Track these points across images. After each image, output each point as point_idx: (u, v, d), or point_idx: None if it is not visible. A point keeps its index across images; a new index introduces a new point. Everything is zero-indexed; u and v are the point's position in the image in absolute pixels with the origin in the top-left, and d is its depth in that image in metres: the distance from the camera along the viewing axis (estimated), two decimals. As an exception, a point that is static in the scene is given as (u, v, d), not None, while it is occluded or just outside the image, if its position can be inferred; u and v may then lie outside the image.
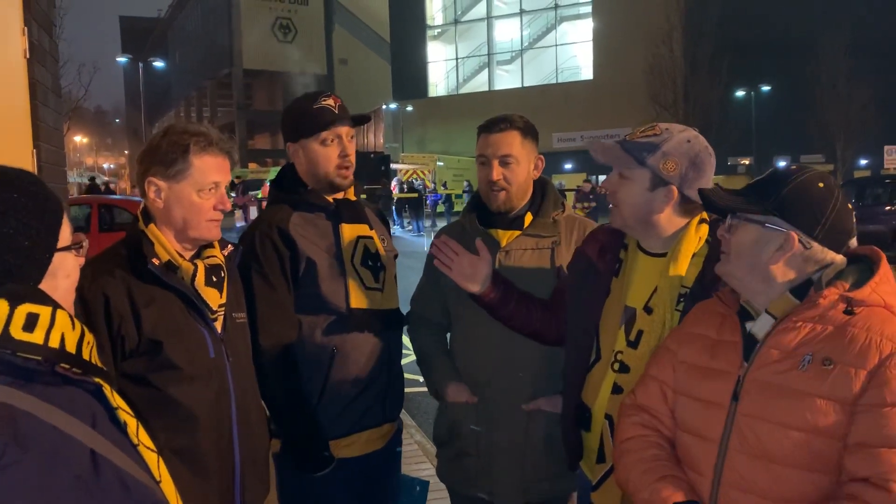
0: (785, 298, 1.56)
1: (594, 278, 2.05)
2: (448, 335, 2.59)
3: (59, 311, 1.10)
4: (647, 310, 1.92)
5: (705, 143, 1.91)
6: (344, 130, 2.36)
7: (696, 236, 1.92)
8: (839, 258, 1.56)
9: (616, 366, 1.95)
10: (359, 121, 2.43)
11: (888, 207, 16.53)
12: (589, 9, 43.93)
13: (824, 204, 1.53)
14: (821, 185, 1.55)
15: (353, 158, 2.38)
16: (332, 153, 2.34)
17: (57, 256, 1.16)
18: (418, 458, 4.94)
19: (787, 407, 1.47)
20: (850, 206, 1.57)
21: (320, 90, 2.47)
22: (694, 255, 1.91)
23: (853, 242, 1.58)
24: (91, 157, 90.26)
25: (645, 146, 1.87)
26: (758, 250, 1.57)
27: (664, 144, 1.86)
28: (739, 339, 1.61)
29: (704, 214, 1.94)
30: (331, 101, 2.34)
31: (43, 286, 1.13)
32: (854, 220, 1.58)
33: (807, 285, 1.56)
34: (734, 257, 1.62)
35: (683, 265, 1.89)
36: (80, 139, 71.14)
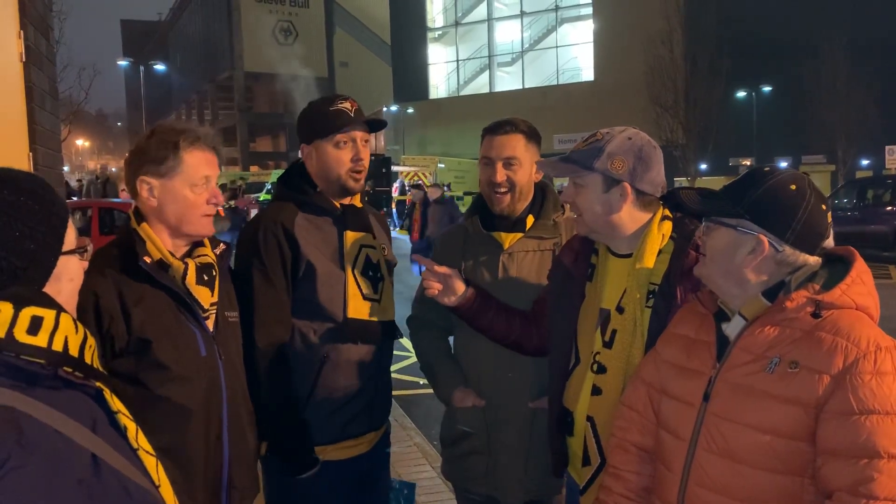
0: (757, 300, 1.57)
1: (570, 284, 2.10)
2: (451, 337, 2.60)
3: (62, 315, 1.10)
4: (619, 309, 1.96)
5: (647, 138, 1.98)
6: (359, 135, 2.36)
7: (660, 234, 1.96)
8: (812, 260, 1.56)
9: (594, 367, 1.99)
10: (374, 126, 2.43)
11: (890, 208, 16.51)
12: (589, 10, 43.94)
13: (795, 206, 1.53)
14: (793, 187, 1.54)
15: (366, 163, 2.39)
16: (344, 156, 2.33)
17: (62, 260, 1.17)
18: (418, 461, 4.94)
19: (753, 408, 1.49)
20: (824, 207, 1.56)
21: (337, 93, 2.46)
22: (660, 252, 1.95)
23: (829, 243, 1.58)
24: (93, 160, 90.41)
25: (590, 152, 1.94)
26: (731, 253, 1.58)
27: (607, 146, 1.93)
28: (713, 339, 1.63)
29: (667, 211, 1.98)
30: (347, 105, 2.34)
31: (47, 289, 1.14)
32: (829, 220, 1.57)
33: (780, 287, 1.56)
34: (709, 260, 1.63)
35: (649, 263, 1.93)
36: (81, 143, 71.19)
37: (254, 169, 54.29)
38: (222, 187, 37.36)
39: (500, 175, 2.36)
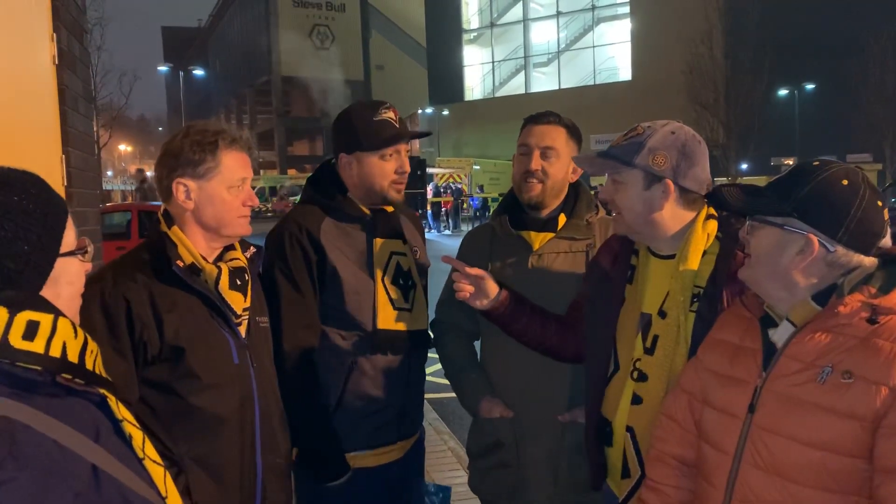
0: (806, 305, 1.46)
1: (608, 287, 2.00)
2: (477, 342, 2.51)
3: (60, 319, 1.06)
4: (662, 314, 1.86)
5: (692, 132, 1.87)
6: (403, 146, 2.31)
7: (704, 233, 1.85)
8: (868, 261, 1.44)
9: (635, 374, 1.89)
10: (418, 136, 2.40)
11: (940, 207, 16.02)
12: (626, 9, 43.58)
13: (848, 203, 1.42)
14: (844, 182, 1.43)
15: (407, 172, 2.33)
16: (389, 168, 2.27)
17: (59, 262, 1.12)
18: (452, 465, 4.88)
19: (803, 422, 1.38)
20: (880, 203, 1.45)
21: (376, 100, 2.39)
22: (705, 253, 1.84)
23: (886, 242, 1.46)
24: (135, 164, 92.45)
25: (630, 147, 1.84)
26: (777, 254, 1.47)
27: (649, 141, 1.82)
28: (759, 346, 1.52)
29: (712, 209, 1.87)
30: (391, 114, 2.27)
31: (44, 293, 1.09)
32: (885, 219, 1.45)
33: (832, 291, 1.45)
34: (754, 261, 1.53)
35: (693, 264, 1.82)
36: (124, 147, 72.83)
37: (291, 172, 54.95)
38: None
39: (536, 163, 2.28)
